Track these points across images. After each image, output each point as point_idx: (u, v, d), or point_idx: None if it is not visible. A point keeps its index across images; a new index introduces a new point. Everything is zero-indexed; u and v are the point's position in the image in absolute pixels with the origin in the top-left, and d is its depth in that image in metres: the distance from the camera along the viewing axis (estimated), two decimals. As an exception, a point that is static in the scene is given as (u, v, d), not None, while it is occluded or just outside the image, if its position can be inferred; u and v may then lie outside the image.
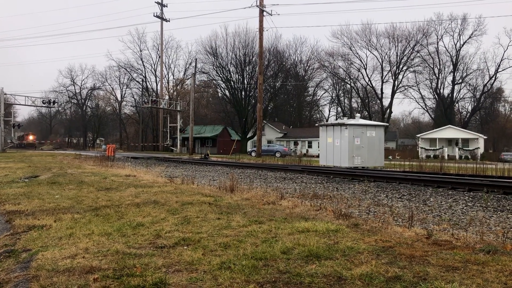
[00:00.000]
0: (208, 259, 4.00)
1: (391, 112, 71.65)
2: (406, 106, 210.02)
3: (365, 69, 70.24)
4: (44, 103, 55.59)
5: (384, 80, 69.13)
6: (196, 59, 61.80)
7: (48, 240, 4.95)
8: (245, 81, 64.56)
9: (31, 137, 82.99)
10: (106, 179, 12.15)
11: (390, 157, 44.27)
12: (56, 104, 64.13)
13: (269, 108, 71.50)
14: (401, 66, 67.98)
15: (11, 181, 12.11)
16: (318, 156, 30.64)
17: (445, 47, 68.47)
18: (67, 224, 5.76)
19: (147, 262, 3.92)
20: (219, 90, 72.27)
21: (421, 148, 54.08)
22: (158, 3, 62.37)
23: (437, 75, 69.16)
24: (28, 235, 5.30)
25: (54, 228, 5.56)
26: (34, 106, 56.73)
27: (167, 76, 75.85)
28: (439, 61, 68.18)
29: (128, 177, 12.88)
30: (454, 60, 67.59)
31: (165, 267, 3.81)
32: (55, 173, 14.55)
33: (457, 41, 66.97)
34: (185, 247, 4.46)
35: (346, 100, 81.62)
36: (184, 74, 75.74)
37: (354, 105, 79.55)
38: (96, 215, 6.37)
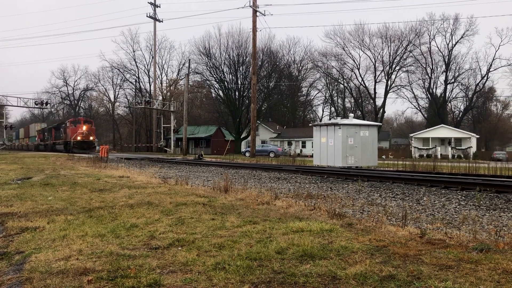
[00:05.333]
0: (202, 259, 4.00)
1: (384, 111, 72.00)
2: (399, 106, 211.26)
3: (358, 69, 70.59)
4: (36, 104, 55.35)
5: (377, 80, 69.49)
6: (189, 60, 61.78)
7: (41, 242, 4.92)
8: (239, 81, 64.62)
9: (84, 127, 42.88)
10: (100, 180, 12.09)
11: (384, 156, 44.46)
12: (48, 105, 63.83)
13: (263, 108, 71.54)
14: (394, 66, 68.38)
15: (3, 183, 12.02)
16: (312, 156, 30.68)
17: (438, 47, 69.01)
18: (61, 225, 5.73)
19: (141, 263, 3.91)
20: (212, 90, 72.26)
21: (414, 147, 54.36)
22: (151, 3, 62.21)
23: (429, 75, 69.63)
24: (21, 237, 5.27)
25: (47, 230, 5.52)
26: (26, 107, 56.54)
27: (160, 76, 75.76)
28: (432, 61, 68.69)
29: (122, 178, 12.83)
30: (446, 60, 68.06)
31: (159, 268, 3.80)
32: (48, 175, 14.46)
33: (449, 41, 67.50)
34: (180, 248, 4.45)
35: (339, 100, 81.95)
36: (178, 74, 75.70)
37: (348, 105, 79.92)
38: (89, 217, 6.34)
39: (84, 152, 40.03)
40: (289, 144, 64.17)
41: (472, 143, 52.75)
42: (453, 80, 69.55)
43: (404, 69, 69.06)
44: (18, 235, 5.39)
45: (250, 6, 37.92)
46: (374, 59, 69.19)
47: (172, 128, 59.19)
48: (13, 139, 78.22)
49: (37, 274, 3.73)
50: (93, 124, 48.67)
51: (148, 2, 62.07)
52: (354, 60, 70.70)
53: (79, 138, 42.49)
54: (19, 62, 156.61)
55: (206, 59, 64.81)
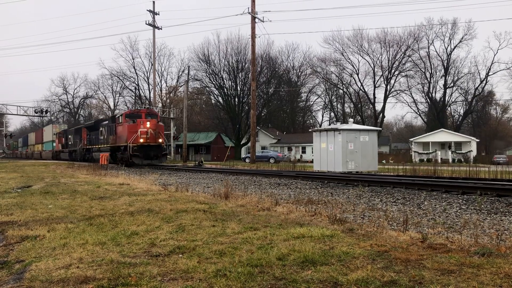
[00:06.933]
0: (203, 267, 3.98)
1: (384, 116, 72.14)
2: (399, 111, 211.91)
3: (357, 74, 70.80)
4: (36, 113, 55.17)
5: (376, 85, 69.70)
6: (188, 67, 61.80)
7: (41, 250, 4.91)
8: (238, 87, 64.79)
9: (149, 124, 28.24)
10: (100, 188, 12.08)
11: (384, 161, 44.44)
12: (48, 113, 63.51)
13: (262, 114, 71.64)
14: (393, 70, 68.56)
15: (4, 191, 12.01)
16: (312, 162, 30.68)
17: (436, 52, 69.30)
18: (61, 234, 5.71)
19: (142, 271, 3.90)
20: (212, 97, 72.45)
21: (415, 152, 54.39)
22: (150, 11, 62.33)
23: (428, 79, 69.81)
24: (21, 245, 5.25)
25: (48, 238, 5.51)
26: (26, 115, 56.54)
27: (160, 83, 75.90)
28: (431, 65, 68.91)
29: (122, 186, 12.82)
30: (445, 64, 68.28)
31: (160, 276, 3.78)
32: (48, 183, 14.44)
33: (448, 45, 67.81)
34: (180, 255, 4.44)
35: (339, 105, 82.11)
36: (177, 81, 75.88)
37: (347, 110, 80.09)
38: (90, 225, 6.32)
39: (150, 163, 27.78)
40: (289, 149, 64.16)
41: (472, 147, 52.76)
42: (452, 84, 69.78)
43: (403, 73, 69.34)
44: (18, 244, 5.37)
45: (249, 13, 38.07)
46: (373, 64, 69.49)
47: (172, 135, 59.10)
48: (18, 146, 74.16)
49: (37, 283, 3.72)
50: (157, 115, 32.29)
51: (147, 10, 62.25)
52: (353, 65, 70.98)
53: (141, 140, 27.49)
54: (18, 70, 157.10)
55: (206, 65, 65.12)
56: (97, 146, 34.69)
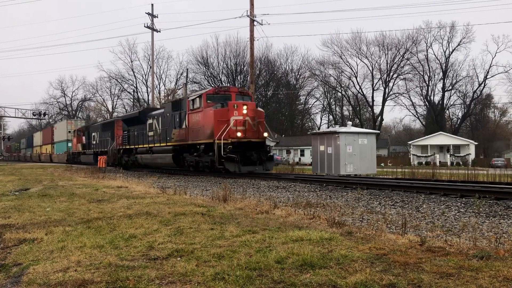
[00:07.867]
0: (201, 270, 3.97)
1: (382, 119, 72.21)
2: (397, 114, 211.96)
3: (356, 77, 70.92)
4: (34, 115, 55.16)
5: (375, 88, 69.84)
6: (187, 69, 62.06)
7: (39, 253, 4.89)
8: (237, 90, 64.75)
9: (245, 109, 17.87)
10: (98, 191, 12.05)
11: (382, 164, 44.47)
12: (46, 116, 63.48)
13: (261, 117, 71.61)
14: (391, 73, 68.74)
15: (1, 194, 11.98)
16: (310, 164, 30.68)
17: (435, 55, 69.47)
18: (59, 237, 5.69)
19: (140, 274, 3.89)
20: (211, 99, 72.27)
21: (413, 155, 54.46)
22: (148, 14, 62.46)
23: (427, 82, 69.99)
24: (19, 248, 5.23)
25: (45, 241, 5.49)
26: (24, 118, 56.48)
27: (158, 86, 75.92)
28: (429, 68, 69.08)
29: (120, 188, 12.79)
30: (443, 67, 68.49)
31: (158, 279, 3.77)
32: (46, 186, 14.41)
33: (446, 49, 68.00)
34: (179, 259, 4.42)
35: (337, 108, 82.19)
36: (176, 84, 75.92)
37: (346, 113, 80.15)
38: (88, 228, 6.30)
39: (252, 170, 18.98)
40: (288, 152, 64.18)
41: (470, 150, 52.86)
42: (450, 87, 69.99)
43: (401, 77, 69.54)
44: (16, 247, 5.35)
45: (248, 16, 38.11)
46: (372, 67, 69.66)
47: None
48: (21, 148, 72.20)
49: (35, 286, 3.70)
50: (255, 99, 23.01)
51: (146, 13, 62.33)
52: (351, 68, 71.10)
53: (239, 134, 18.25)
54: (16, 73, 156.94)
55: (204, 68, 65.37)
56: (145, 146, 24.36)
